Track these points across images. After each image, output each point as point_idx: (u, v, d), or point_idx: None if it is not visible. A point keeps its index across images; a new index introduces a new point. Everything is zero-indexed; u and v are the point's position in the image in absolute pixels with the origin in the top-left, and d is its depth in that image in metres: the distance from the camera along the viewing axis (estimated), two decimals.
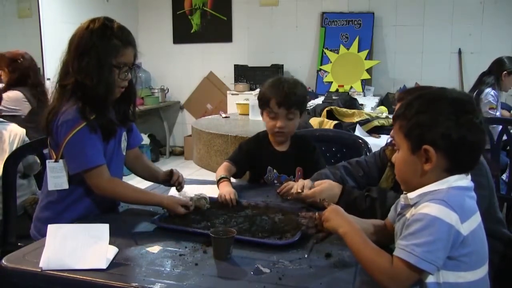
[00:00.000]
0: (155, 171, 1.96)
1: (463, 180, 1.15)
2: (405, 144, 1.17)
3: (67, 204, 1.70)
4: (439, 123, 1.11)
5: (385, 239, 1.31)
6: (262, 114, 2.09)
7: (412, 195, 1.16)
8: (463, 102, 1.14)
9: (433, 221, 1.05)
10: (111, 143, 1.73)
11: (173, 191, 1.89)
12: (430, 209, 1.07)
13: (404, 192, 1.22)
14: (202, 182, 2.10)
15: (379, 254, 1.13)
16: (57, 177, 1.68)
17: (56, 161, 1.67)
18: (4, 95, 3.16)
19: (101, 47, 1.62)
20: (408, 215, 1.15)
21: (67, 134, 1.60)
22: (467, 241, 1.09)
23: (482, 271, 1.16)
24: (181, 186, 1.88)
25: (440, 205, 1.07)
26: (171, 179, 1.88)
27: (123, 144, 1.84)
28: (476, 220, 1.13)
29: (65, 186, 1.68)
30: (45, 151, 1.92)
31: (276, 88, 1.99)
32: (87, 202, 1.72)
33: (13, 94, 3.21)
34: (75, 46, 1.64)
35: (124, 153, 1.86)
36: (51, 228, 1.31)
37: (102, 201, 1.74)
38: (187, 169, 5.27)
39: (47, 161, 1.70)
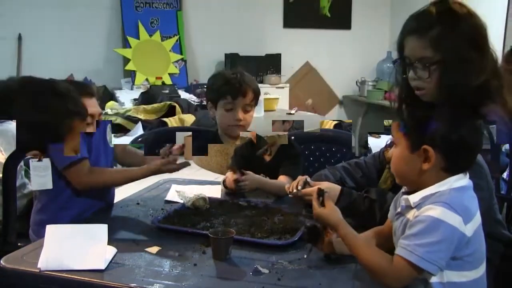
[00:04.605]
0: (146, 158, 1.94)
1: (463, 180, 1.16)
2: (403, 142, 1.18)
3: (61, 203, 1.70)
4: (439, 126, 1.12)
5: (386, 243, 1.31)
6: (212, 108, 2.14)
7: (414, 198, 1.16)
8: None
9: (437, 223, 1.07)
10: (95, 135, 1.71)
11: (173, 191, 1.89)
12: (434, 211, 1.08)
13: (403, 189, 1.23)
14: (202, 182, 2.11)
15: (379, 253, 1.14)
16: (41, 176, 1.64)
17: (39, 160, 1.64)
18: None
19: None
20: (409, 216, 1.16)
21: None
22: (471, 241, 1.11)
23: (482, 269, 1.18)
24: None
25: (444, 207, 1.08)
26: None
27: (109, 136, 1.82)
28: (478, 219, 1.15)
29: (49, 186, 1.65)
30: None
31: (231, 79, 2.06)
32: (81, 200, 1.70)
33: None
34: None
35: (112, 145, 1.84)
36: (50, 229, 1.31)
37: (97, 196, 1.73)
38: (187, 169, 5.23)
39: (30, 160, 1.66)
